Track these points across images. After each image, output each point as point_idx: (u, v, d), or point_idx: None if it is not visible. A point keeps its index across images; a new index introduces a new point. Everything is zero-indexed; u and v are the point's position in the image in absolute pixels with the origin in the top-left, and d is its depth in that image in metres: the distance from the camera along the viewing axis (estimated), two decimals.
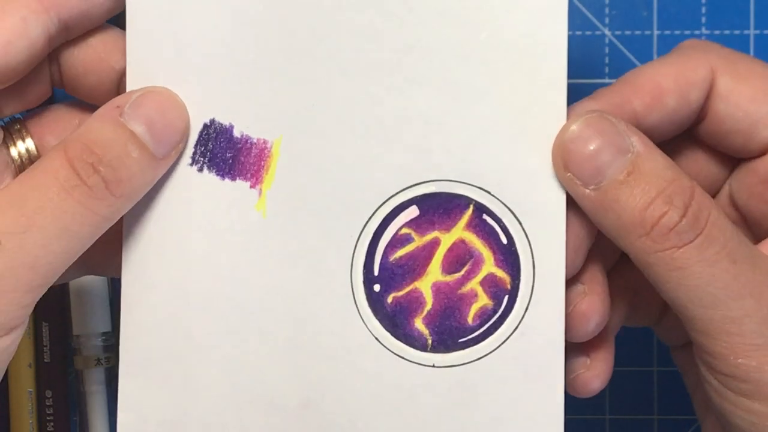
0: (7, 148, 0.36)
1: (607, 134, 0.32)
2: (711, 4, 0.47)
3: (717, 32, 0.47)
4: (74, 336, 0.48)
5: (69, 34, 0.34)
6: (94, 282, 0.47)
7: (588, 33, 0.47)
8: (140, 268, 0.34)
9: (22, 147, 0.36)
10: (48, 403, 0.48)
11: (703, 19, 0.47)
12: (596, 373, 0.36)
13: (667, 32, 0.47)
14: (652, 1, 0.47)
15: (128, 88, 0.34)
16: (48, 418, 0.48)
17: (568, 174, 0.32)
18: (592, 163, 0.32)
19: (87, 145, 0.32)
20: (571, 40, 0.34)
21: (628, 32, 0.47)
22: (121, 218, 0.34)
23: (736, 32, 0.47)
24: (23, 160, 0.36)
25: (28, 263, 0.31)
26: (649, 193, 0.31)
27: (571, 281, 0.35)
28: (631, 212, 0.32)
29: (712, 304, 0.32)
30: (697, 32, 0.47)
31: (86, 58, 0.35)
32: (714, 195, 0.38)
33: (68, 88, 0.36)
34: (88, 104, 0.37)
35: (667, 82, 0.34)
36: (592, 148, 0.32)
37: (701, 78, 0.34)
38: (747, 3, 0.47)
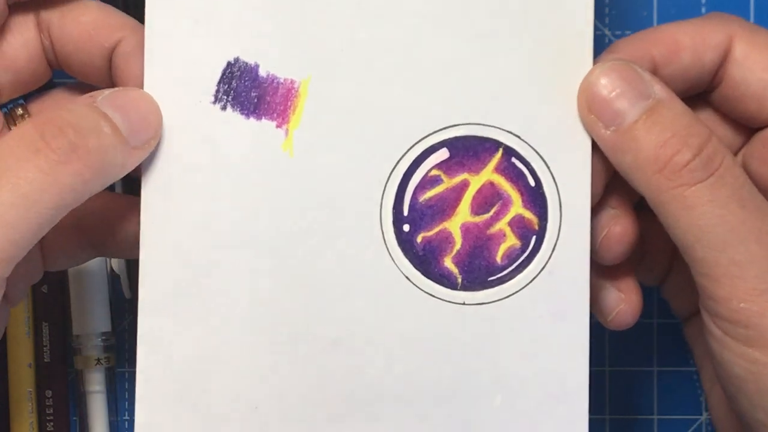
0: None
1: (630, 80, 0.33)
2: (711, 4, 0.47)
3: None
4: (74, 336, 0.48)
5: None
6: (94, 282, 0.47)
7: None
8: (160, 205, 0.34)
9: None
10: (48, 403, 0.47)
11: None
12: (632, 306, 0.38)
13: None
14: (652, 1, 0.47)
15: (147, 25, 0.33)
16: (48, 418, 0.47)
17: (591, 116, 0.33)
18: (613, 105, 0.33)
19: (58, 113, 0.31)
20: None
21: (628, 32, 0.47)
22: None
23: None
24: None
25: None
26: (665, 133, 0.33)
27: (600, 206, 0.36)
28: (646, 150, 0.33)
29: (719, 246, 0.33)
30: None
31: (76, 35, 0.35)
32: None
33: (63, 66, 0.36)
34: (88, 87, 0.37)
35: (685, 39, 0.36)
36: (614, 91, 0.33)
37: (718, 42, 0.36)
38: (747, 3, 0.47)
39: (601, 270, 0.38)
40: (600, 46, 0.47)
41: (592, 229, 0.35)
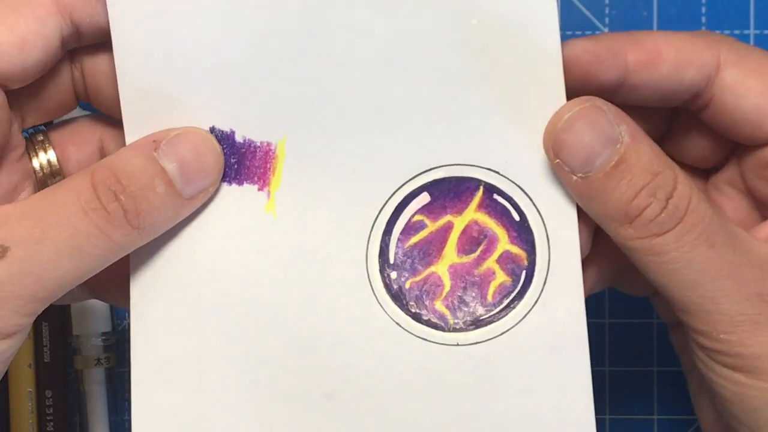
0: (30, 159, 0.36)
1: (598, 125, 0.32)
2: (711, 4, 0.47)
3: (717, 32, 0.47)
4: (74, 336, 0.48)
5: (81, 39, 0.34)
6: None
7: (588, 33, 0.47)
8: (149, 276, 0.34)
9: (44, 158, 0.36)
10: (48, 403, 0.48)
11: (703, 19, 0.47)
12: None
13: None
14: (652, 1, 0.47)
15: (122, 101, 0.34)
16: (48, 418, 0.48)
17: (557, 161, 0.33)
18: (581, 153, 0.32)
19: (114, 172, 0.32)
20: None
21: None
22: None
23: (736, 32, 0.47)
24: (44, 171, 0.36)
25: (34, 274, 0.31)
26: (635, 186, 0.32)
27: None
28: (616, 203, 0.32)
29: (690, 286, 0.33)
30: None
31: (107, 71, 0.35)
32: (720, 168, 0.38)
33: (91, 99, 0.36)
34: (111, 118, 0.37)
35: (669, 50, 0.34)
36: (582, 138, 0.32)
37: (703, 62, 0.35)
38: (747, 3, 0.47)
39: None
40: None
41: None
